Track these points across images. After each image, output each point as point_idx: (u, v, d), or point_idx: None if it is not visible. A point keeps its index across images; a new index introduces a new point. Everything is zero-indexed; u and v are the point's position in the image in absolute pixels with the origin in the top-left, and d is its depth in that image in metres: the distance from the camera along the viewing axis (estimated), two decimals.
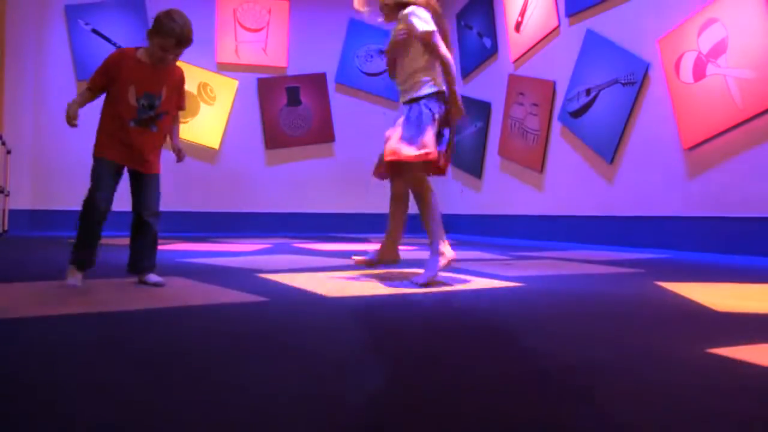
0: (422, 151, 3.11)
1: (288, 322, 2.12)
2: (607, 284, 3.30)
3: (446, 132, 3.30)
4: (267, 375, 1.41)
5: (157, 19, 2.91)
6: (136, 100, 2.95)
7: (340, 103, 10.91)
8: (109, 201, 2.98)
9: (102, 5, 9.90)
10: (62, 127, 9.58)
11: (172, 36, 2.88)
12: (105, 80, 2.97)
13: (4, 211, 7.64)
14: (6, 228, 7.71)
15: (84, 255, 2.92)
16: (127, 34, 9.96)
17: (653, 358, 1.63)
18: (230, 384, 1.32)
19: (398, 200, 3.45)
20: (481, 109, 9.85)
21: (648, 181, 6.57)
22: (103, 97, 3.04)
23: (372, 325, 2.09)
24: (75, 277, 2.89)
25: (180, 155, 3.27)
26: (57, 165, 9.56)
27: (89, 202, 2.92)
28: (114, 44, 9.86)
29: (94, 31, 9.83)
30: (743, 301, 2.68)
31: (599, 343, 1.82)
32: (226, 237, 8.39)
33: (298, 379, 1.37)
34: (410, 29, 3.21)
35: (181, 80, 3.13)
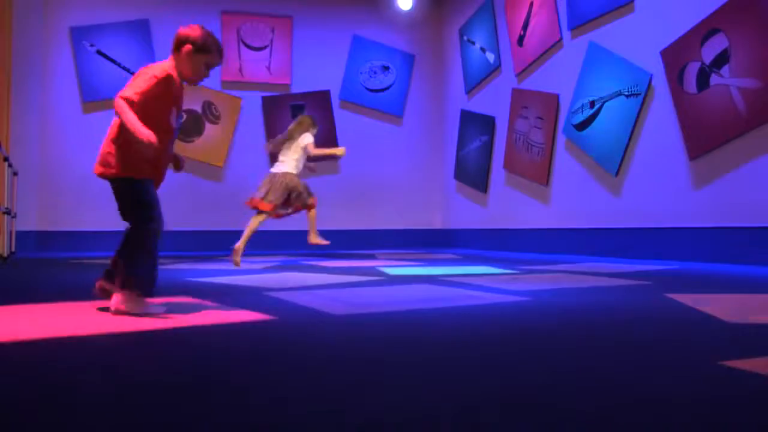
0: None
1: (297, 341, 2.11)
2: (616, 297, 3.28)
3: None
4: (274, 394, 1.40)
5: (198, 37, 2.81)
6: (176, 121, 2.84)
7: (345, 120, 10.94)
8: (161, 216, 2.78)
9: (107, 27, 10.00)
10: (68, 148, 9.66)
11: (217, 51, 2.86)
12: (152, 96, 2.67)
13: (11, 232, 7.66)
14: (13, 249, 7.73)
15: (153, 282, 2.71)
16: (132, 56, 10.04)
17: (665, 370, 1.62)
18: (238, 405, 1.31)
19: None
20: (485, 124, 9.87)
21: (654, 193, 6.55)
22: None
23: (380, 343, 2.08)
24: (154, 304, 2.71)
25: (181, 163, 3.00)
26: (63, 187, 9.61)
27: (152, 226, 2.69)
28: (120, 66, 9.93)
29: (99, 52, 9.91)
30: (754, 312, 2.66)
31: (609, 356, 1.81)
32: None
33: (307, 398, 1.36)
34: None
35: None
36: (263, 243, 10.29)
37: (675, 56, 6.27)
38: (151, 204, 2.72)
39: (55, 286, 4.13)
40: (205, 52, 2.82)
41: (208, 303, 3.07)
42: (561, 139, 8.08)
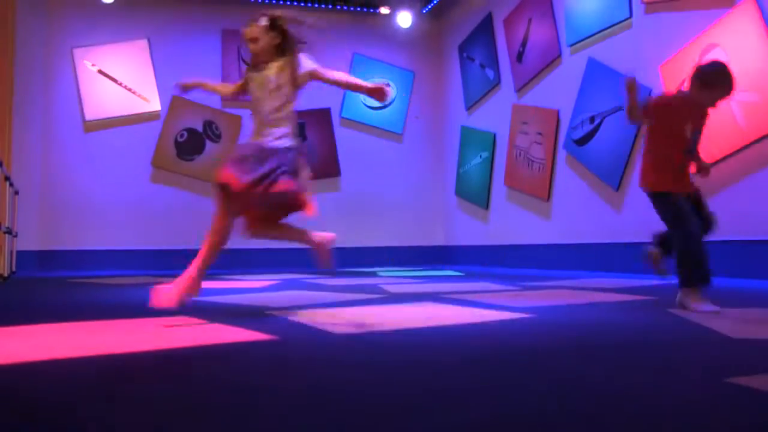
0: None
1: (299, 361, 2.09)
2: (619, 313, 3.26)
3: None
4: (276, 418, 1.38)
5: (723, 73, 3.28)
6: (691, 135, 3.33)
7: (345, 138, 10.97)
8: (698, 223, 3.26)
9: (108, 47, 10.05)
10: (70, 167, 9.67)
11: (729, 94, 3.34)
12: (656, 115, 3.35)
13: (11, 252, 7.65)
14: (13, 269, 7.72)
15: (704, 271, 3.18)
16: (132, 75, 10.08)
17: (670, 388, 1.60)
18: (238, 429, 1.29)
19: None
20: (486, 140, 9.88)
21: None
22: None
23: (384, 363, 2.06)
24: (706, 303, 3.14)
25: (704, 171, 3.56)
26: (65, 206, 9.61)
27: (691, 234, 3.20)
28: (120, 85, 9.97)
29: (101, 71, 9.96)
30: (759, 327, 2.64)
31: (613, 374, 1.79)
32: (233, 274, 8.38)
33: (309, 424, 1.34)
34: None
35: None
36: (267, 261, 10.28)
37: (674, 71, 6.28)
38: (681, 215, 3.25)
39: (54, 306, 4.11)
40: (721, 89, 3.30)
41: (208, 323, 3.04)
42: (561, 155, 8.08)
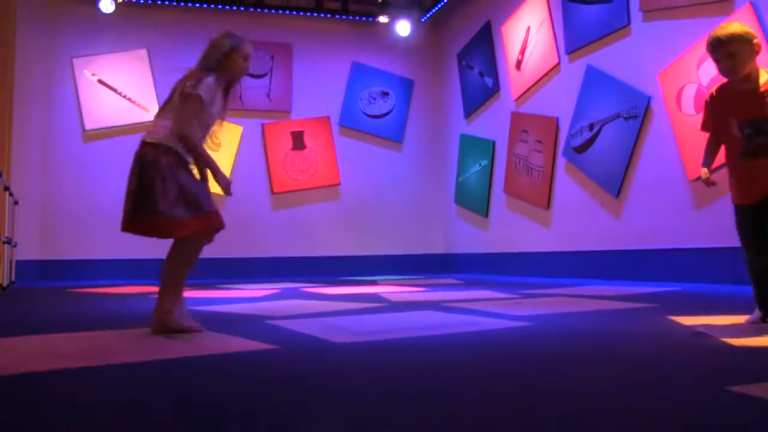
0: None
1: (298, 371, 2.09)
2: (619, 320, 3.26)
3: None
4: (275, 428, 1.38)
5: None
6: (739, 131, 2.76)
7: (345, 146, 10.97)
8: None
9: (108, 56, 10.07)
10: (69, 177, 9.68)
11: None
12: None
13: (11, 261, 7.64)
14: (13, 279, 7.71)
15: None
16: (132, 85, 10.10)
17: (670, 396, 1.59)
18: None
19: None
20: (485, 147, 9.89)
21: (655, 214, 6.54)
22: None
23: (383, 372, 2.06)
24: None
25: None
26: (64, 215, 9.61)
27: (745, 256, 2.87)
28: (120, 94, 9.99)
29: (101, 81, 9.97)
30: (760, 335, 2.63)
31: (614, 383, 1.78)
32: (233, 283, 8.37)
33: (312, 425, 1.34)
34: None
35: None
36: (266, 270, 10.27)
37: (672, 78, 6.30)
38: (739, 233, 2.87)
39: (54, 316, 4.10)
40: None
41: (208, 332, 3.03)
42: (561, 162, 8.09)
